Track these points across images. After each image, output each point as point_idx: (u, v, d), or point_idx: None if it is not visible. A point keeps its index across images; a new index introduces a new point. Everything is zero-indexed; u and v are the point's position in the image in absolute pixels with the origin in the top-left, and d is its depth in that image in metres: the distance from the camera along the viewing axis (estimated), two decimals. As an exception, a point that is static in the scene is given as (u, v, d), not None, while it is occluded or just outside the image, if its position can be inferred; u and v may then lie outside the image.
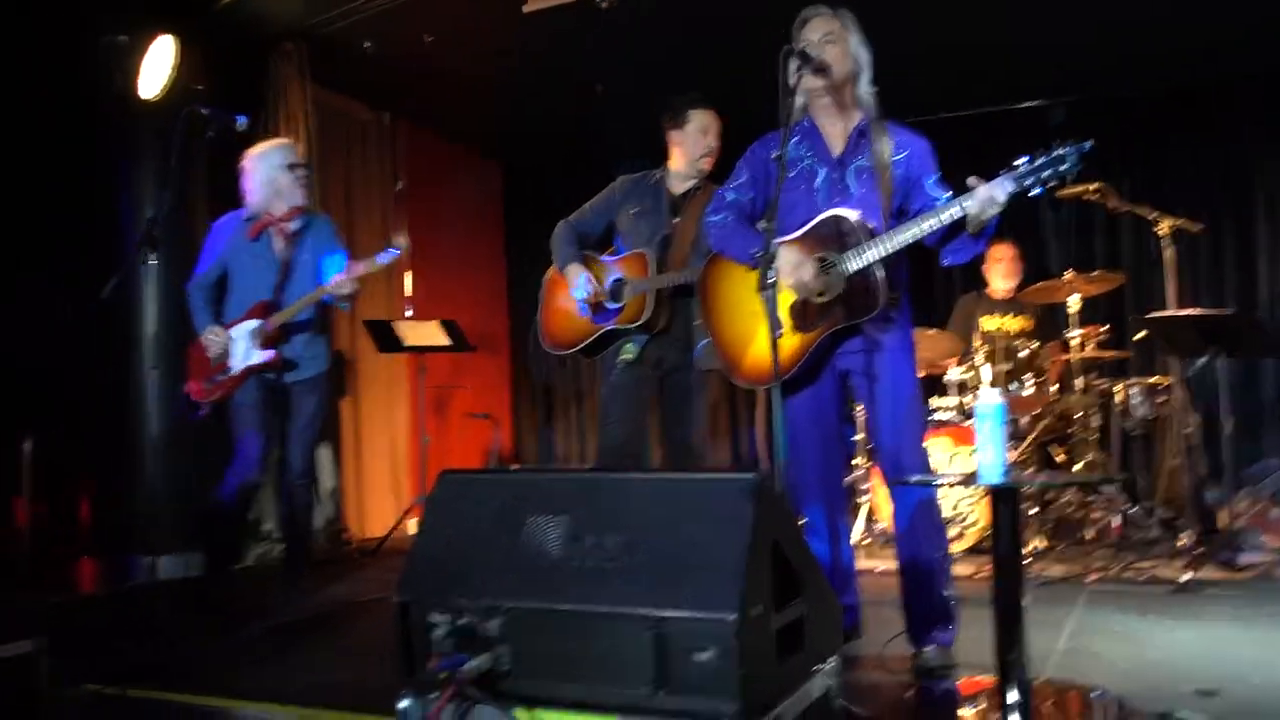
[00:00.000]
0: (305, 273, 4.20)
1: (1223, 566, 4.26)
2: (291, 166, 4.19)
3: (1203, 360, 5.15)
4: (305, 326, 4.20)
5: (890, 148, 2.95)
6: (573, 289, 4.00)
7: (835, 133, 3.01)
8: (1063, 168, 2.56)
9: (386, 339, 5.85)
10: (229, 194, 4.72)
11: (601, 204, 4.15)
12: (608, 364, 4.04)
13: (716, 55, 5.77)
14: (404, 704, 1.94)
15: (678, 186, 4.05)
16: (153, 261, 3.82)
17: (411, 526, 6.02)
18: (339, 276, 3.97)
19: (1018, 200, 2.66)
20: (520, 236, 8.21)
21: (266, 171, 4.17)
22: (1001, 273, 5.77)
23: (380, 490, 6.71)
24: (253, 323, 4.10)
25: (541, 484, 2.13)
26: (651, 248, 3.95)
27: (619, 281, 3.99)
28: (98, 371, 5.12)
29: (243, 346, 4.12)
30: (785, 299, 2.92)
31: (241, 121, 4.00)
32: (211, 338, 4.12)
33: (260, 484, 4.27)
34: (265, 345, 4.07)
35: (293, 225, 4.21)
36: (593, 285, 3.97)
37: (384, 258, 4.03)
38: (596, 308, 4.00)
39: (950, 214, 2.68)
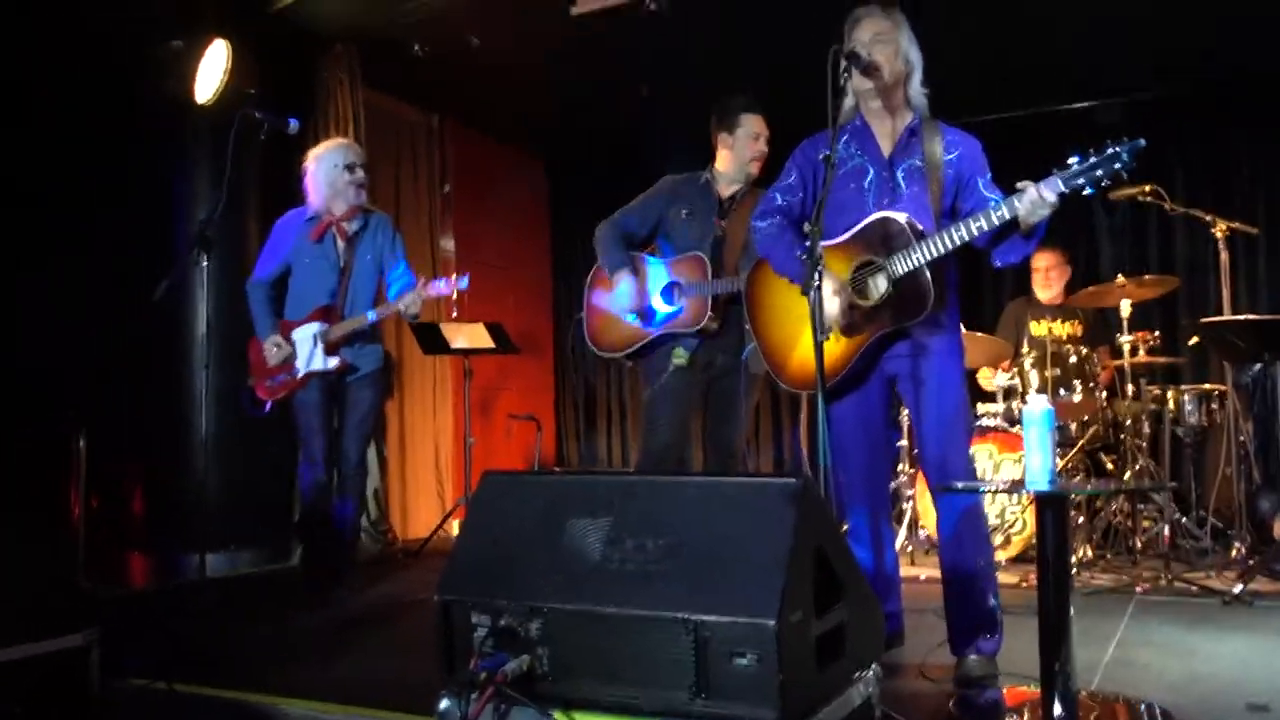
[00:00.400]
0: (365, 274, 4.31)
1: (1275, 578, 4.17)
2: (350, 167, 4.23)
3: (1258, 367, 5.06)
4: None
5: (941, 148, 2.92)
6: (618, 298, 3.98)
7: (886, 132, 2.98)
8: (1116, 166, 2.51)
9: (432, 341, 5.89)
10: (281, 196, 4.79)
11: (650, 203, 4.12)
12: (654, 367, 4.00)
13: (764, 57, 5.76)
14: (444, 704, 1.95)
15: (724, 189, 4.03)
16: (205, 262, 3.88)
17: (455, 527, 6.06)
18: (409, 296, 4.07)
19: (1071, 200, 2.62)
20: (566, 238, 8.24)
21: (326, 172, 4.23)
22: (1040, 282, 5.69)
23: (424, 491, 6.76)
24: (315, 325, 4.20)
25: (583, 486, 2.13)
26: (705, 249, 3.93)
27: (673, 284, 3.97)
28: (151, 369, 5.21)
29: (307, 350, 4.20)
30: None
31: (293, 124, 4.07)
32: (273, 349, 4.23)
33: (329, 481, 4.35)
34: (331, 350, 4.18)
35: (352, 225, 4.30)
36: (637, 300, 3.95)
37: (457, 284, 4.15)
38: (644, 313, 3.99)
39: (1000, 215, 2.65)
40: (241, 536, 5.20)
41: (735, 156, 3.99)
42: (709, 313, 3.84)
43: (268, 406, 4.35)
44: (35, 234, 5.06)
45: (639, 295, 3.96)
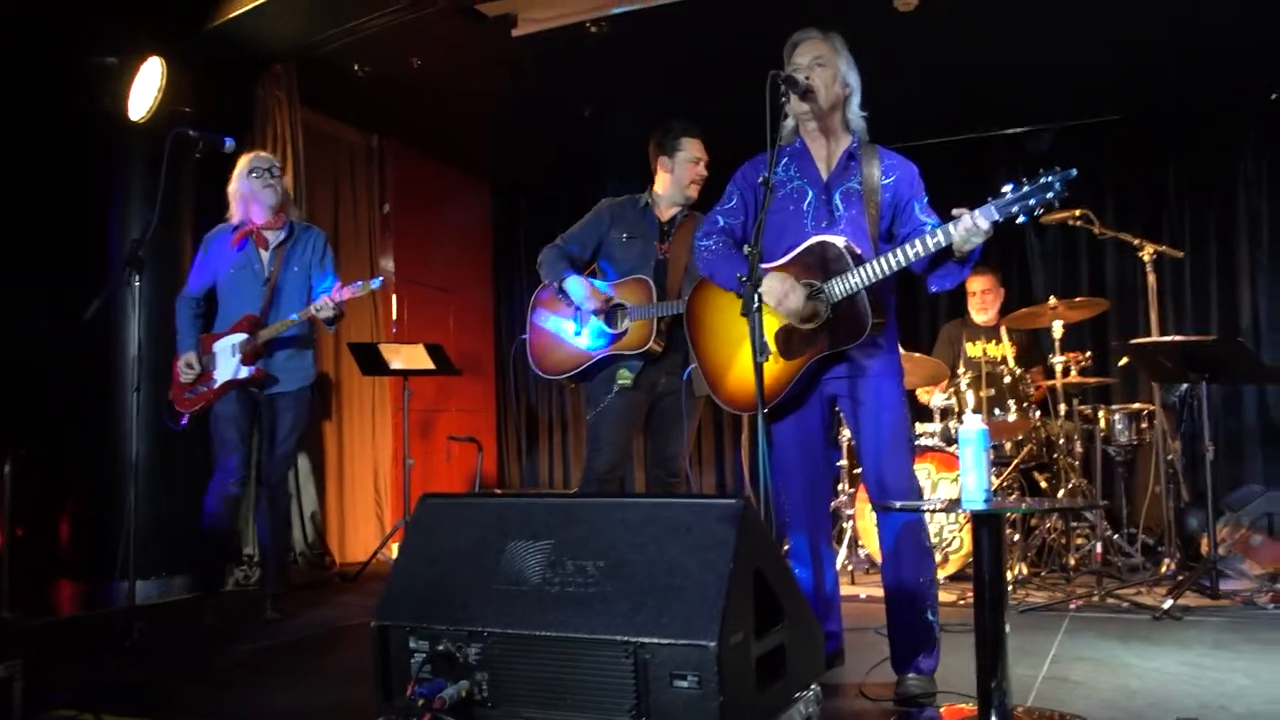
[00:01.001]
0: (294, 287, 4.26)
1: (1204, 593, 4.26)
2: (252, 171, 4.23)
3: (1184, 387, 5.19)
4: (290, 342, 4.24)
5: (880, 171, 2.96)
6: (583, 302, 3.95)
7: (824, 155, 3.02)
8: (1049, 195, 2.56)
9: (371, 362, 5.83)
10: (216, 215, 4.71)
11: (589, 226, 4.13)
12: (598, 389, 4.00)
13: (705, 79, 5.80)
14: (381, 731, 1.92)
15: (664, 212, 4.07)
16: (137, 282, 3.80)
17: (394, 551, 5.98)
18: (323, 299, 4.03)
19: (1004, 225, 2.67)
20: (509, 259, 8.22)
21: (237, 181, 4.27)
22: (976, 305, 5.80)
23: (363, 514, 6.66)
24: (239, 336, 4.15)
25: (523, 508, 2.12)
26: (647, 273, 3.95)
27: (617, 307, 3.98)
28: (81, 391, 5.09)
29: (227, 360, 4.15)
30: (771, 325, 2.91)
31: (229, 143, 4.02)
32: (184, 369, 4.22)
33: (240, 496, 4.30)
34: (248, 361, 4.12)
35: (277, 236, 4.27)
36: (598, 297, 3.96)
37: (366, 285, 4.08)
38: (586, 335, 3.99)
39: (936, 241, 2.69)
40: (173, 563, 5.08)
41: (675, 180, 4.03)
42: (653, 335, 3.86)
43: (184, 420, 4.29)
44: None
45: (598, 294, 3.96)
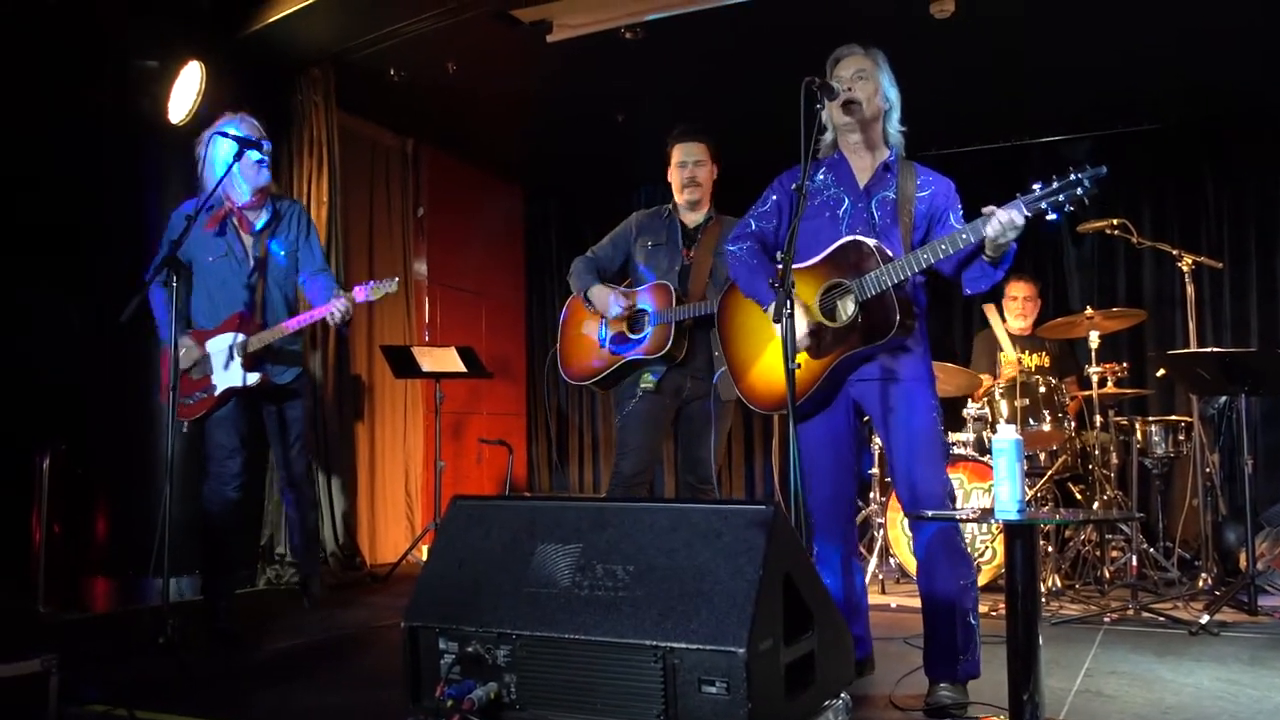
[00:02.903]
0: (280, 274, 3.99)
1: (1242, 609, 4.20)
2: (244, 148, 3.73)
3: (1223, 399, 5.12)
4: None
5: (915, 185, 2.97)
6: (605, 309, 4.03)
7: (863, 166, 3.04)
8: (1078, 191, 2.56)
9: (403, 364, 5.86)
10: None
11: (618, 238, 4.23)
12: (624, 394, 4.06)
13: (739, 85, 5.81)
14: (409, 731, 1.93)
15: (689, 219, 4.12)
16: (174, 283, 3.82)
17: (424, 552, 6.01)
18: (337, 303, 3.79)
19: (1041, 232, 2.65)
20: (540, 262, 8.25)
21: (213, 147, 3.82)
22: (1015, 311, 5.75)
23: (394, 515, 6.70)
24: (231, 335, 3.86)
25: (553, 512, 2.12)
26: (672, 279, 3.99)
27: (640, 313, 4.03)
28: (116, 392, 5.15)
29: (223, 363, 3.88)
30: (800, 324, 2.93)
31: (266, 145, 4.04)
32: (183, 350, 3.82)
33: (240, 499, 4.00)
34: (250, 365, 3.84)
35: (260, 217, 3.95)
36: (624, 302, 4.00)
37: (381, 288, 3.88)
38: (617, 338, 4.02)
39: (965, 238, 2.68)
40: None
41: (673, 186, 4.11)
42: (670, 339, 3.89)
43: (184, 426, 3.90)
44: (1, 253, 5.01)
45: (623, 300, 4.01)
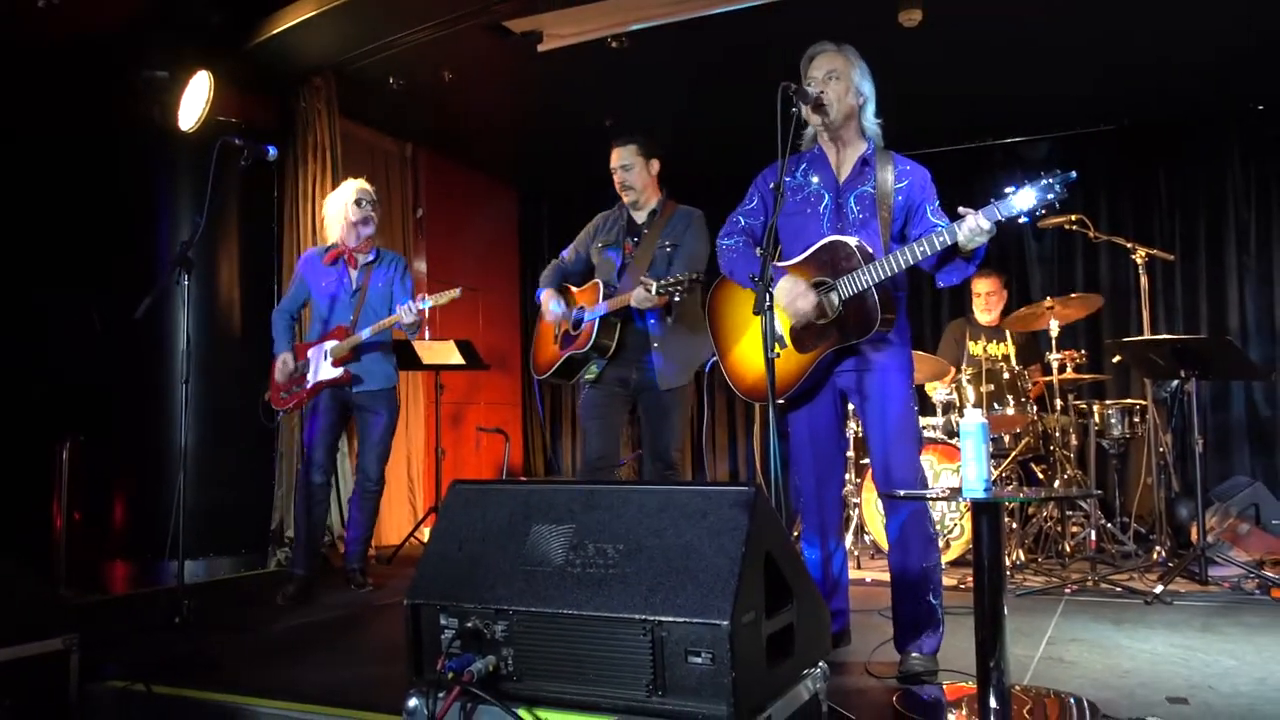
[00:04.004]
0: (378, 299, 4.45)
1: (1193, 579, 4.23)
2: (359, 201, 4.45)
3: (1175, 383, 5.15)
4: (374, 347, 4.42)
5: (893, 176, 2.95)
6: (545, 313, 4.05)
7: (841, 161, 3.02)
8: (1049, 195, 2.55)
9: (405, 357, 5.84)
10: (259, 219, 4.74)
11: (580, 241, 4.18)
12: (580, 386, 4.08)
13: (721, 90, 5.81)
14: (411, 703, 1.92)
15: (637, 215, 4.04)
16: (186, 281, 3.81)
17: (426, 535, 6.00)
18: (405, 305, 4.17)
19: (1003, 228, 2.66)
20: (534, 261, 8.22)
21: (338, 205, 4.47)
22: (981, 306, 5.77)
23: (397, 500, 6.68)
24: (331, 343, 4.37)
25: (547, 495, 2.11)
26: (612, 277, 3.94)
27: (580, 310, 4.00)
28: (133, 385, 5.13)
29: (319, 363, 4.36)
30: (786, 320, 2.93)
31: (272, 151, 4.03)
32: (280, 366, 4.43)
33: (324, 484, 4.43)
34: (338, 364, 4.34)
35: (366, 257, 4.50)
36: (561, 307, 4.01)
37: (444, 296, 4.21)
38: (564, 337, 4.02)
39: (942, 240, 2.68)
40: (219, 544, 5.12)
41: None
42: (594, 334, 3.84)
43: (279, 415, 4.63)
44: (21, 251, 4.98)
45: (562, 304, 4.02)
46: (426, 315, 4.36)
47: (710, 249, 3.80)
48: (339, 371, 4.33)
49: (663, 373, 3.82)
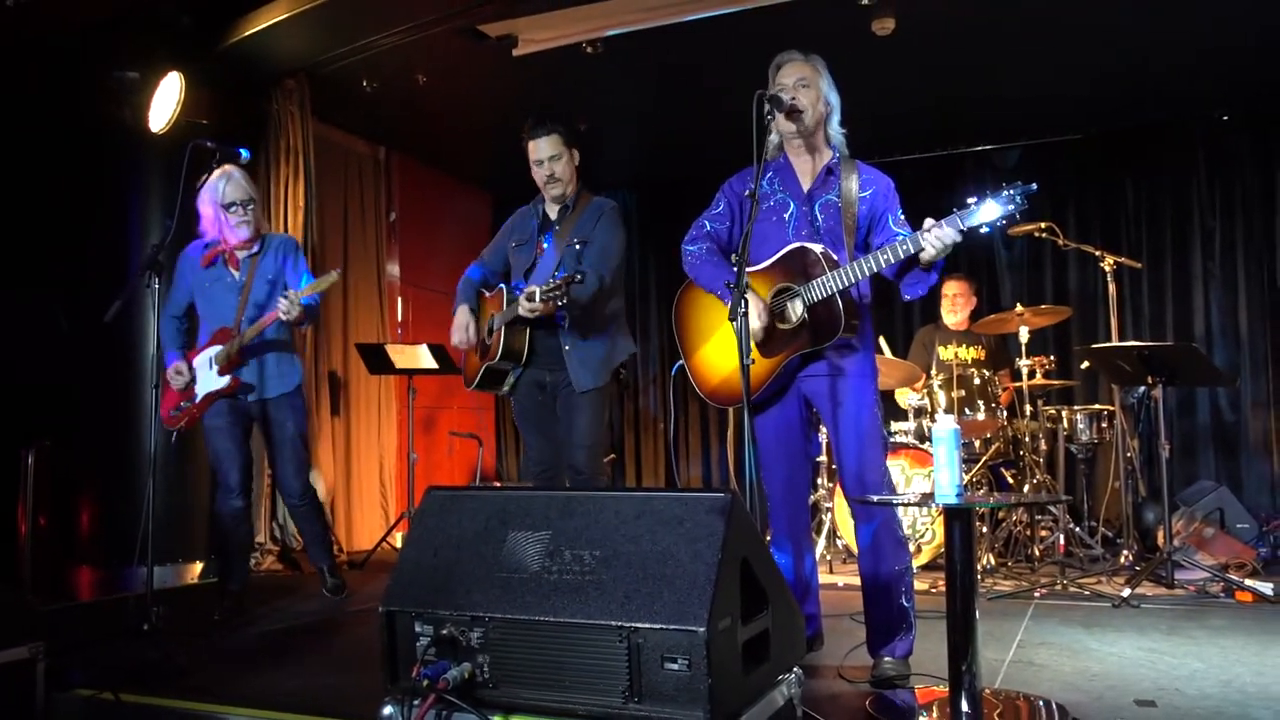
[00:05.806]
0: (262, 295, 4.07)
1: (1161, 583, 4.28)
2: (229, 206, 4.00)
3: (1142, 389, 5.21)
4: (270, 347, 4.08)
5: (857, 185, 2.97)
6: (451, 334, 3.85)
7: (806, 170, 3.04)
8: (1010, 207, 2.59)
9: (377, 361, 5.82)
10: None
11: (497, 242, 3.99)
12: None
13: (692, 96, 5.82)
14: (386, 711, 1.91)
15: (551, 211, 3.86)
16: (155, 285, 3.76)
17: (399, 540, 5.97)
18: (281, 302, 3.86)
19: (973, 236, 2.69)
20: (506, 265, 8.19)
21: (210, 205, 4.03)
22: (949, 307, 5.82)
23: (369, 505, 6.65)
24: (215, 349, 4.02)
25: (523, 501, 2.11)
26: (518, 278, 3.78)
27: (493, 317, 3.80)
28: (100, 389, 5.07)
29: (205, 373, 4.03)
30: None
31: (244, 154, 3.98)
32: (175, 375, 4.04)
33: (247, 507, 4.12)
34: (224, 371, 3.98)
35: (249, 251, 4.10)
36: (468, 331, 3.80)
37: (324, 281, 3.96)
38: (481, 346, 3.82)
39: (905, 249, 2.71)
40: (187, 550, 5.07)
41: (537, 183, 3.84)
42: (501, 342, 3.65)
43: (173, 436, 4.25)
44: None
45: (468, 330, 3.82)
46: (316, 305, 4.04)
47: (624, 241, 3.75)
48: (226, 380, 3.96)
49: (576, 374, 3.61)
